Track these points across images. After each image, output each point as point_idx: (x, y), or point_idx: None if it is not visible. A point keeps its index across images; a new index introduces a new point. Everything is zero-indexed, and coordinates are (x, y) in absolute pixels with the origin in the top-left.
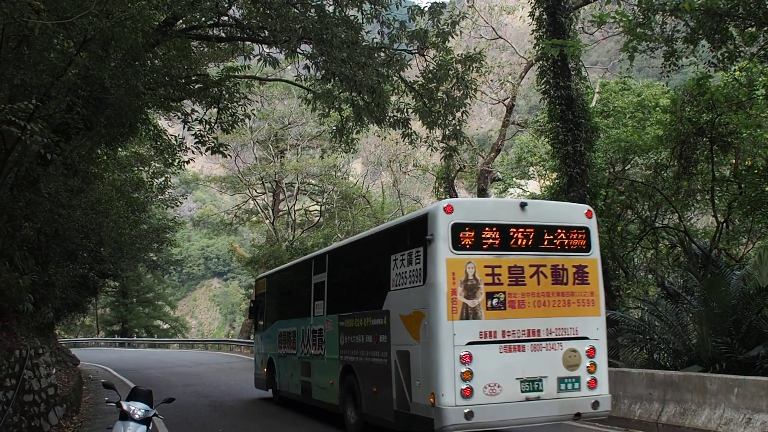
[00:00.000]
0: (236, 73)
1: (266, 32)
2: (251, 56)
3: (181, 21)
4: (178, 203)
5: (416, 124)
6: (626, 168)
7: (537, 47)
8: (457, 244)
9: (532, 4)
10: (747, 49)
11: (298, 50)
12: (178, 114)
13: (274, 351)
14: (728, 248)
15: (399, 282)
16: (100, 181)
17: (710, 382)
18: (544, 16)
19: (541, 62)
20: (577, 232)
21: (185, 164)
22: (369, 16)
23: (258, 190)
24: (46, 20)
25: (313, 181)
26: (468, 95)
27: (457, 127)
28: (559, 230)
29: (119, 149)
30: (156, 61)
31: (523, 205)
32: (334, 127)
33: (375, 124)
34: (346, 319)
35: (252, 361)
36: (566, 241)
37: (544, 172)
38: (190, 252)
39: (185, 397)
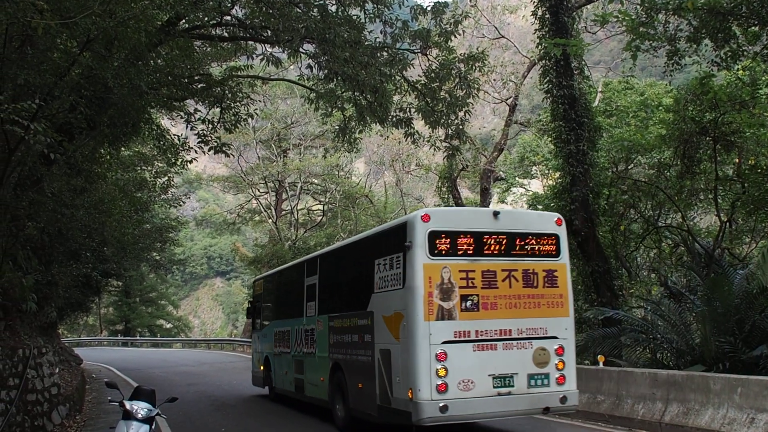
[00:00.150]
0: (239, 73)
1: (269, 32)
2: (254, 56)
3: (184, 21)
4: (181, 203)
5: (419, 124)
6: (629, 167)
7: (540, 46)
8: (433, 251)
9: (535, 4)
10: (750, 48)
11: (300, 50)
12: (181, 113)
13: (270, 350)
14: (731, 247)
15: (382, 285)
16: (104, 180)
17: (713, 382)
18: (547, 16)
19: (543, 61)
20: (548, 239)
21: (188, 164)
22: (372, 15)
23: (261, 190)
24: (49, 20)
25: (315, 181)
26: (471, 94)
27: (460, 127)
28: (530, 237)
29: (122, 149)
30: (159, 61)
31: (496, 214)
32: (337, 127)
33: (378, 124)
34: (335, 320)
35: None
36: (537, 247)
37: (546, 172)
38: (193, 251)
39: (188, 396)
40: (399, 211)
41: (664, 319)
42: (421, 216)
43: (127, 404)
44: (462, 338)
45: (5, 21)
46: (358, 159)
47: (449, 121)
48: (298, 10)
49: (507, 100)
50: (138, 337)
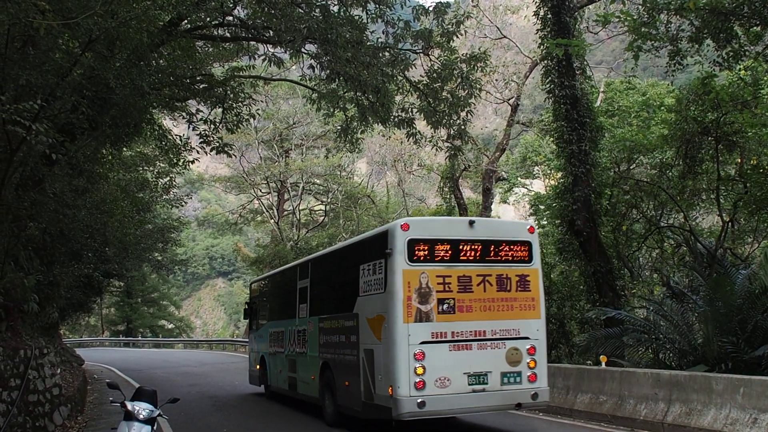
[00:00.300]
0: (241, 73)
1: (271, 32)
2: (256, 56)
3: (186, 21)
4: (183, 203)
5: (421, 124)
6: (631, 167)
7: (541, 46)
8: (412, 257)
9: (537, 4)
10: (752, 48)
11: (302, 50)
12: (183, 114)
13: (265, 349)
14: (734, 247)
15: (366, 289)
16: (105, 181)
17: (716, 382)
18: (549, 16)
19: (545, 61)
20: (520, 246)
21: (190, 164)
22: (374, 15)
23: (263, 190)
24: (51, 20)
25: (317, 181)
26: (472, 95)
27: (462, 127)
28: (503, 244)
29: (124, 149)
30: (161, 61)
31: (471, 223)
32: (339, 127)
33: (380, 124)
34: (324, 321)
35: None
36: (510, 253)
37: (548, 172)
38: (195, 252)
39: (190, 396)
40: (401, 212)
41: (666, 319)
42: (401, 225)
43: (129, 405)
44: (439, 339)
45: (7, 21)
46: (360, 159)
47: (451, 121)
48: (300, 10)
49: (509, 100)
50: (140, 338)
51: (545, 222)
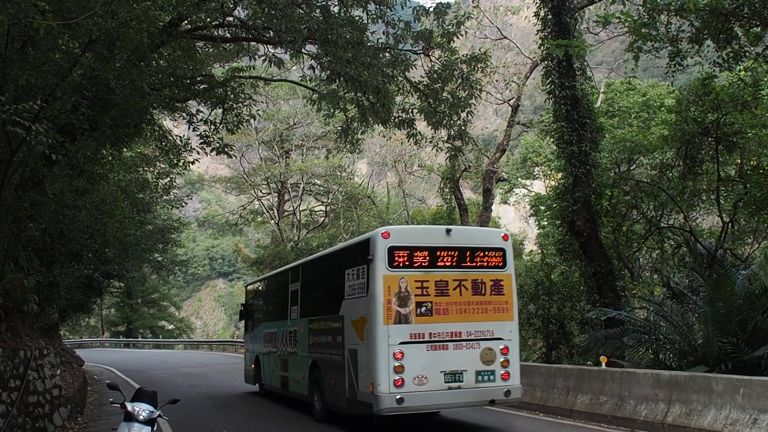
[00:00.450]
0: (241, 74)
1: (271, 33)
2: (256, 57)
3: (186, 22)
4: (183, 204)
5: (421, 125)
6: (631, 168)
7: (542, 47)
8: (392, 263)
9: (537, 5)
10: (752, 48)
11: (303, 50)
12: (183, 114)
13: (260, 350)
14: (734, 248)
15: (350, 292)
16: (105, 181)
17: (716, 383)
18: (549, 17)
19: (546, 62)
20: (495, 252)
21: (190, 165)
22: (374, 16)
23: (263, 191)
24: (51, 21)
25: (318, 182)
26: (473, 95)
27: (462, 128)
28: (478, 251)
29: (124, 150)
30: (161, 62)
31: (448, 231)
32: (339, 128)
33: (380, 125)
34: (313, 322)
35: None
36: (485, 259)
37: (549, 172)
38: (195, 252)
39: (190, 397)
40: (401, 212)
41: (666, 319)
42: (382, 233)
43: (129, 406)
44: (417, 339)
45: (7, 22)
46: (360, 160)
47: (452, 121)
48: (300, 11)
49: (509, 100)
50: (140, 339)
51: (545, 223)
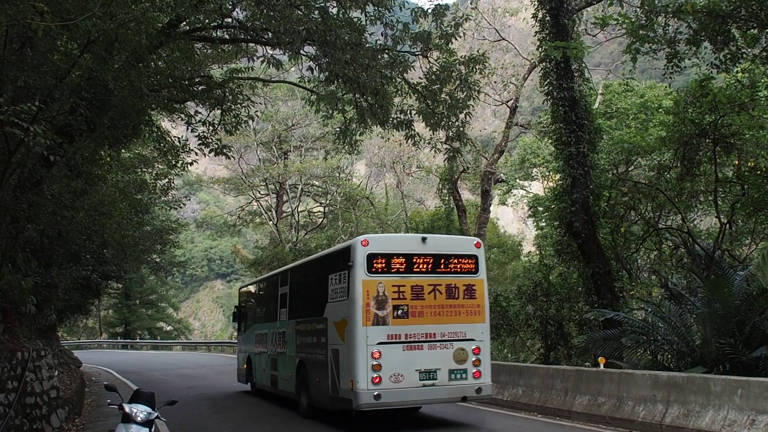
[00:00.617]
0: (240, 75)
1: (270, 34)
2: (255, 58)
3: (184, 23)
4: (182, 205)
5: (420, 126)
6: (629, 169)
7: (540, 49)
8: (371, 269)
9: (535, 6)
10: (749, 50)
11: (301, 52)
12: (182, 115)
13: (251, 350)
14: (731, 249)
15: (333, 296)
16: (104, 182)
17: (714, 384)
18: (547, 18)
19: (544, 64)
20: (468, 259)
21: (188, 166)
22: (372, 17)
23: (261, 192)
24: (49, 22)
25: (316, 183)
26: (471, 97)
27: (461, 129)
28: (452, 258)
29: (123, 151)
30: (159, 63)
31: (424, 239)
32: (338, 129)
33: (378, 126)
34: (300, 324)
35: None
36: (458, 266)
37: (547, 174)
38: (194, 254)
39: (188, 399)
40: (400, 213)
41: (664, 320)
42: (361, 241)
43: (127, 407)
44: (394, 340)
45: (5, 23)
46: (358, 161)
47: (450, 123)
48: (299, 12)
49: (507, 102)
50: (138, 340)
51: (544, 224)
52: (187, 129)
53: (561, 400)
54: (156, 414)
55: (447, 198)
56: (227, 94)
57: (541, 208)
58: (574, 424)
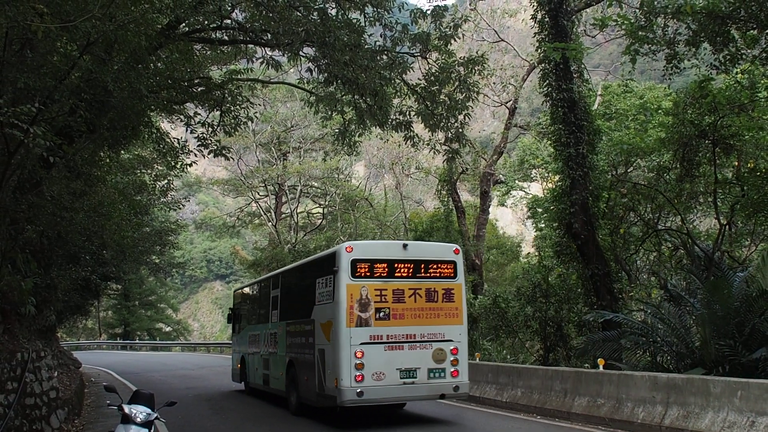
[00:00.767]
0: (239, 76)
1: (269, 35)
2: (254, 59)
3: (184, 24)
4: (181, 206)
5: (419, 127)
6: (629, 170)
7: (539, 50)
8: (354, 274)
9: (534, 7)
10: (749, 51)
11: (300, 53)
12: (181, 117)
13: (245, 350)
14: (731, 250)
15: (320, 299)
16: (103, 183)
17: (713, 385)
18: (546, 19)
19: (543, 65)
20: (447, 265)
21: (188, 167)
22: (371, 19)
23: (260, 193)
24: (49, 23)
25: (315, 184)
26: (470, 98)
27: (460, 130)
28: (432, 263)
29: (122, 152)
30: (159, 64)
31: (405, 246)
32: (337, 130)
33: (377, 127)
34: (290, 325)
35: None
36: (438, 271)
37: (546, 175)
38: (193, 255)
39: (187, 400)
40: (399, 215)
41: (663, 322)
42: (346, 248)
43: (126, 408)
44: (376, 340)
45: (5, 24)
46: (357, 162)
47: (449, 124)
48: (298, 13)
49: (507, 103)
50: (137, 341)
51: (543, 225)
52: (187, 130)
53: (560, 402)
54: (155, 415)
55: (446, 199)
56: (226, 95)
57: (540, 210)
58: (574, 426)
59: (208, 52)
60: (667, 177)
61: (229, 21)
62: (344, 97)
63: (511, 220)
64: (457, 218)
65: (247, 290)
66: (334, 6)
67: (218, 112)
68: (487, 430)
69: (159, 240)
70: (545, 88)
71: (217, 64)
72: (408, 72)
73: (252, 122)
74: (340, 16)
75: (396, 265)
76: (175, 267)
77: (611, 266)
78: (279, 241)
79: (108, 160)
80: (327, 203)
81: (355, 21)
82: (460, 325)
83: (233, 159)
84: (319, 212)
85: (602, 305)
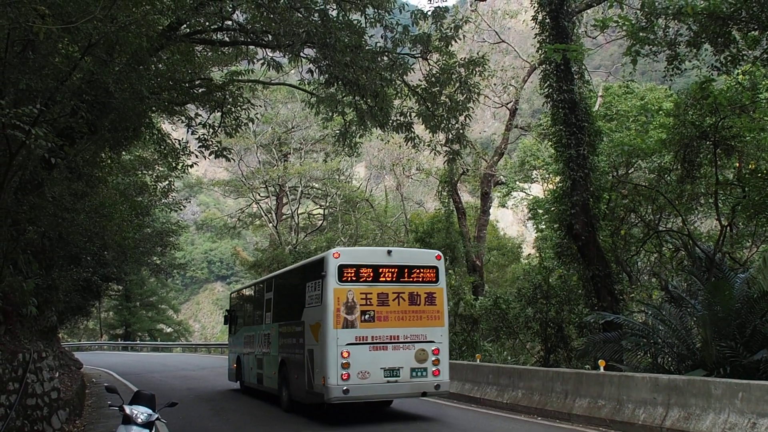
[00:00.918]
0: (240, 77)
1: (270, 36)
2: (255, 60)
3: (185, 25)
4: (182, 207)
5: (419, 128)
6: (629, 171)
7: (540, 51)
8: (341, 278)
9: (535, 8)
10: (750, 52)
11: (301, 54)
12: (182, 118)
13: (241, 351)
14: (732, 252)
15: (309, 302)
16: (104, 184)
17: (715, 387)
18: (547, 20)
19: (544, 66)
20: (429, 270)
21: (189, 168)
22: (372, 20)
23: (261, 194)
24: (50, 25)
25: (316, 185)
26: (471, 99)
27: (460, 131)
28: (415, 269)
29: (123, 153)
30: (160, 66)
31: (389, 252)
32: (338, 131)
33: (378, 128)
34: (282, 327)
35: None
36: (420, 275)
37: (547, 176)
38: (194, 255)
39: (188, 400)
40: (399, 216)
41: (664, 323)
42: (333, 254)
43: (127, 409)
44: (361, 341)
45: (7, 26)
46: (358, 163)
47: (450, 125)
48: (299, 14)
49: (507, 104)
50: (138, 342)
51: (544, 226)
52: (188, 131)
53: (561, 403)
54: (156, 415)
55: (447, 200)
56: (227, 96)
57: (540, 211)
58: (574, 427)
59: (209, 54)
60: (668, 178)
61: (230, 22)
62: (345, 98)
63: (512, 221)
64: (457, 219)
65: (242, 293)
66: (335, 7)
67: (219, 113)
68: (487, 430)
69: (160, 241)
70: (546, 89)
71: (218, 65)
72: (409, 73)
73: (253, 123)
74: (340, 18)
75: (381, 270)
76: (176, 268)
77: (612, 267)
78: (280, 242)
79: (109, 161)
80: (328, 204)
81: (355, 22)
82: (441, 327)
83: (234, 160)
84: (319, 213)
85: (603, 306)
